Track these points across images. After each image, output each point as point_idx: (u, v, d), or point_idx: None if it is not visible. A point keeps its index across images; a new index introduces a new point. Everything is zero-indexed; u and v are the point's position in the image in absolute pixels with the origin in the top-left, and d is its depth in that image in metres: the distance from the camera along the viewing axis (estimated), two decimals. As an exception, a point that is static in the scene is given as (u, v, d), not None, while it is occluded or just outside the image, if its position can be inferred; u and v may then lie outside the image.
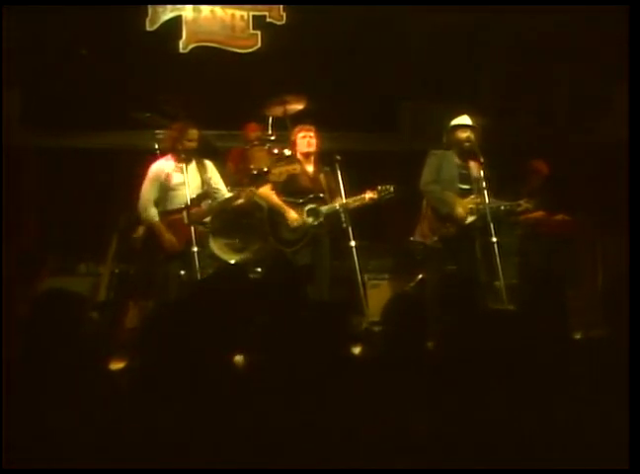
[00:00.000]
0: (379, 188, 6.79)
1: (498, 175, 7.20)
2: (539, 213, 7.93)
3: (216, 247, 7.44)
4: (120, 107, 7.91)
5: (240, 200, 6.59)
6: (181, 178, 6.47)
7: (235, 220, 7.48)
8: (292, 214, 6.85)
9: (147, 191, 6.49)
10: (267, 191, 6.90)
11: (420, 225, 6.89)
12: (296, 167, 6.66)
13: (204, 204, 6.58)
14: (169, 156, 6.58)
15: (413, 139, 8.57)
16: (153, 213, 6.47)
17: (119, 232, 7.27)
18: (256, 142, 7.82)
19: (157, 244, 6.40)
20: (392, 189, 6.79)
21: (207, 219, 6.81)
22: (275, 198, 6.91)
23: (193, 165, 6.57)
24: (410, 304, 3.74)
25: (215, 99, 8.26)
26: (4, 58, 7.75)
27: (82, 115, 8.12)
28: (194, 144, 6.52)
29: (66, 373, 3.40)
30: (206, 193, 6.57)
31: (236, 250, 7.63)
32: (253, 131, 8.00)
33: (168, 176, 6.49)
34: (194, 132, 6.53)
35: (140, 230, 6.67)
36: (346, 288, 6.61)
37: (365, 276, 7.27)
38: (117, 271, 7.31)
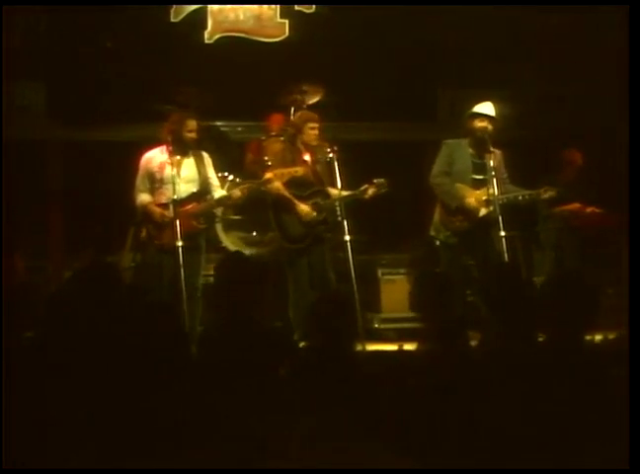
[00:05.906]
0: (375, 181, 6.50)
1: (523, 165, 6.90)
2: (575, 206, 7.59)
3: (229, 241, 7.35)
4: (143, 99, 7.88)
5: (237, 195, 6.39)
6: (176, 171, 6.30)
7: (251, 213, 7.37)
8: (304, 207, 6.58)
9: (138, 181, 6.44)
10: (274, 183, 6.55)
11: (434, 219, 6.70)
12: (299, 170, 6.37)
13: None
14: (163, 148, 6.42)
15: (450, 128, 8.27)
16: (144, 198, 6.39)
17: (135, 225, 7.20)
18: (273, 133, 7.68)
19: (152, 236, 6.34)
20: (385, 183, 6.50)
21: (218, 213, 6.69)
22: (283, 192, 6.59)
23: (190, 158, 6.40)
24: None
25: (242, 90, 8.12)
26: (26, 54, 7.84)
27: (106, 107, 8.12)
28: (193, 135, 6.36)
29: (65, 373, 3.38)
30: (207, 188, 6.39)
31: (251, 243, 7.54)
32: (275, 122, 7.85)
33: (161, 168, 6.35)
34: (192, 123, 6.37)
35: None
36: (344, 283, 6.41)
37: (380, 271, 7.21)
38: (133, 264, 7.26)
